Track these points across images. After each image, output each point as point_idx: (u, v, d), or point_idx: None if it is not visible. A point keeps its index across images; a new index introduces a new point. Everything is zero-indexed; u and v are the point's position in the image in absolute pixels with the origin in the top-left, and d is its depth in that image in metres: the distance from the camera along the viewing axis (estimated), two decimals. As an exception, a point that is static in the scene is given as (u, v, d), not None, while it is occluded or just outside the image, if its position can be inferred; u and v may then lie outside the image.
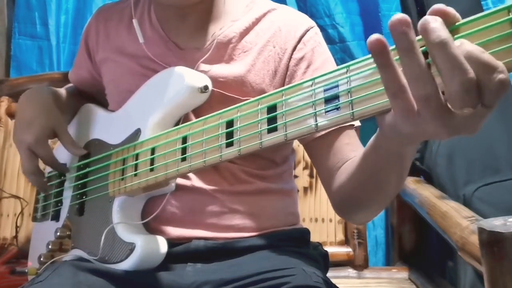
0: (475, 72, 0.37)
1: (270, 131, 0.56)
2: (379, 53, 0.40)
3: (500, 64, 0.37)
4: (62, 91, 0.96)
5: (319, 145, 0.76)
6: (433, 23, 0.38)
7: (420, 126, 0.41)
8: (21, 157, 0.83)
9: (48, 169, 0.93)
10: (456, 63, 0.36)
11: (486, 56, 0.37)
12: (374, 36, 0.39)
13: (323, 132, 0.75)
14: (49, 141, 0.84)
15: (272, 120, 0.56)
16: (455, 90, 0.37)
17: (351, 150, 0.73)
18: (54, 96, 0.89)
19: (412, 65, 0.39)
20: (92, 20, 0.93)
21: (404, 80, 0.40)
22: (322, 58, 0.81)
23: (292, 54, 0.81)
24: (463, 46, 0.37)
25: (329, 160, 0.74)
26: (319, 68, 0.79)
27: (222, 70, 0.79)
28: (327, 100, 0.51)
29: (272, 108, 0.57)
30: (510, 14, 0.39)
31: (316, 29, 0.85)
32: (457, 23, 0.42)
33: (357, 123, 0.78)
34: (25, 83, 1.50)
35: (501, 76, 0.37)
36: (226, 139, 0.61)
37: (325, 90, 0.52)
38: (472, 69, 0.37)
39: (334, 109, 0.50)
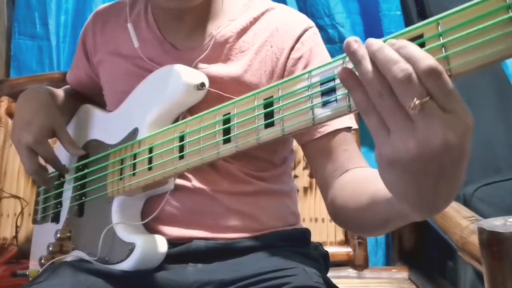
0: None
1: (267, 126, 0.56)
2: (344, 80, 0.45)
3: (421, 53, 0.40)
4: (60, 91, 0.96)
5: (317, 147, 0.76)
6: (372, 40, 0.44)
7: (394, 146, 0.42)
8: (20, 157, 0.83)
9: (49, 170, 0.93)
10: (389, 59, 0.41)
11: (407, 49, 0.41)
12: (342, 68, 0.45)
13: (319, 135, 0.75)
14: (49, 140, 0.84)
15: (269, 115, 0.56)
16: (395, 79, 0.40)
17: (349, 158, 0.73)
18: (52, 96, 0.89)
19: (363, 71, 0.43)
20: (89, 21, 0.93)
21: (368, 96, 0.44)
22: (320, 58, 0.81)
23: (289, 54, 0.80)
24: (395, 46, 0.42)
25: (327, 167, 0.74)
26: None
27: (219, 70, 0.78)
28: (324, 93, 0.51)
29: (268, 103, 0.57)
30: (506, 0, 0.39)
31: (315, 29, 0.84)
32: (453, 10, 0.42)
33: (354, 125, 0.78)
34: (25, 83, 1.50)
35: (425, 63, 0.39)
36: (223, 136, 0.60)
37: (321, 83, 0.51)
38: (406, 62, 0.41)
39: (331, 101, 0.50)
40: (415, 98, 0.39)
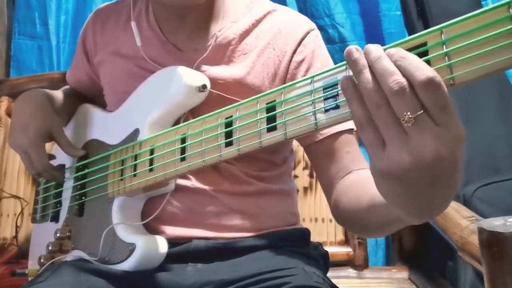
0: (405, 75, 0.41)
1: (269, 130, 0.56)
2: (346, 90, 0.45)
3: (420, 64, 0.40)
4: (58, 93, 0.96)
5: (320, 149, 0.77)
6: (371, 47, 0.44)
7: (388, 159, 0.43)
8: (23, 162, 0.83)
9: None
10: (385, 70, 0.41)
11: (407, 60, 0.41)
12: (345, 78, 0.45)
13: (321, 137, 0.75)
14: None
15: (271, 119, 0.56)
16: (390, 91, 0.41)
17: (352, 160, 0.74)
18: (49, 98, 0.89)
19: (362, 81, 0.43)
20: (89, 21, 0.93)
21: (366, 108, 0.44)
22: (322, 61, 0.81)
23: (292, 57, 0.80)
24: (394, 56, 0.42)
25: (330, 168, 0.75)
26: (319, 71, 0.79)
27: (221, 71, 0.78)
28: (327, 98, 0.51)
29: (271, 107, 0.57)
30: (510, 11, 0.39)
31: (316, 31, 0.84)
32: (457, 19, 0.42)
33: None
34: (25, 83, 1.50)
35: (423, 74, 0.40)
36: (226, 139, 0.60)
37: (324, 88, 0.51)
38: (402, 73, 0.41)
39: (334, 107, 0.50)
40: (409, 111, 0.40)
